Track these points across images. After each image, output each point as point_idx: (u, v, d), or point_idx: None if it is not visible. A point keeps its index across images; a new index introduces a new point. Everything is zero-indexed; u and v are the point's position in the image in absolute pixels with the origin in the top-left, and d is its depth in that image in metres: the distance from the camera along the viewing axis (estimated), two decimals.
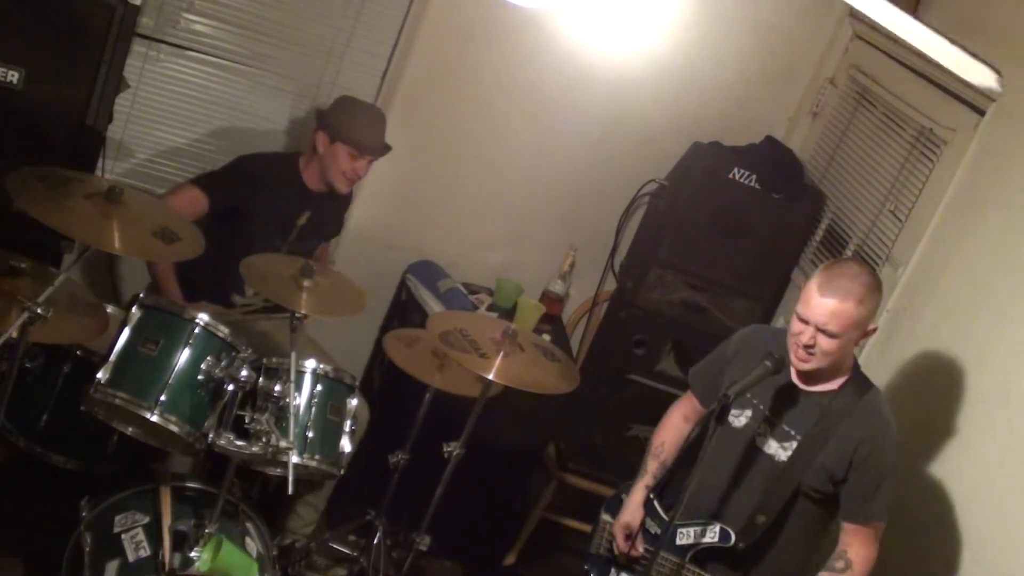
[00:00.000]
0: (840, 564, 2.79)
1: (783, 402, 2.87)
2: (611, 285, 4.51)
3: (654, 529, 3.00)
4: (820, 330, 2.71)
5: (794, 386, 2.88)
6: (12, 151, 3.17)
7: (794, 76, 4.39)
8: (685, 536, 2.90)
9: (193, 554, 2.85)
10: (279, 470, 2.93)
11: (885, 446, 2.80)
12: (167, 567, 2.83)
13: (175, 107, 3.97)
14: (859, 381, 2.86)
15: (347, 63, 4.04)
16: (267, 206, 3.64)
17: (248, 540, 3.05)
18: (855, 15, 4.20)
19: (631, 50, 4.17)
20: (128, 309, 2.89)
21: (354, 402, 3.12)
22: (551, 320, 4.34)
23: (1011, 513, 2.83)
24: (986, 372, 3.05)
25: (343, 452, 3.07)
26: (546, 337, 3.98)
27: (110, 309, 3.09)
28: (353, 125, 3.63)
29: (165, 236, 2.78)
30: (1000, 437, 2.94)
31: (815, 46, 4.35)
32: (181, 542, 2.88)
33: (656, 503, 3.02)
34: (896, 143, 3.80)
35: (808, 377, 2.85)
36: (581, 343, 4.61)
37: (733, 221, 4.09)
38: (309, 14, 3.95)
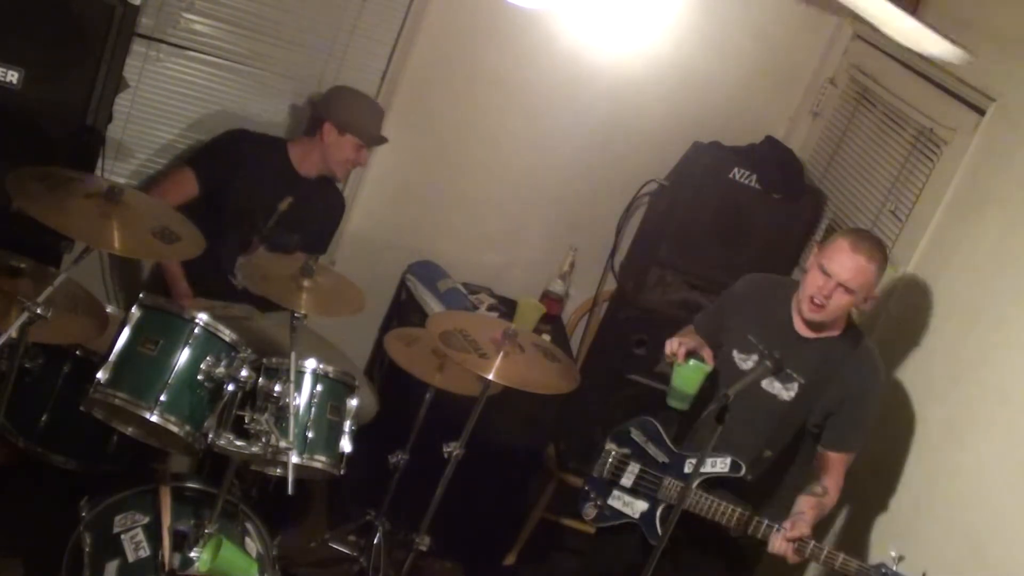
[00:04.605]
0: (819, 489, 3.03)
1: (787, 348, 3.07)
2: (611, 285, 4.51)
3: (661, 459, 3.18)
4: (841, 284, 2.94)
5: (797, 333, 3.10)
6: (12, 151, 3.17)
7: (794, 76, 4.39)
8: (693, 465, 3.04)
9: (193, 554, 2.85)
10: (279, 470, 2.93)
11: (876, 386, 3.08)
12: (167, 567, 2.83)
13: (175, 107, 3.97)
14: (855, 331, 3.13)
15: (347, 63, 4.03)
16: (251, 182, 3.72)
17: (248, 540, 3.05)
18: (855, 15, 4.19)
19: (631, 50, 4.17)
20: (128, 309, 2.89)
21: (354, 402, 3.12)
22: (551, 320, 4.34)
23: (1011, 513, 2.83)
24: (986, 372, 3.05)
25: (343, 452, 3.07)
26: (546, 337, 3.98)
27: (110, 309, 3.09)
28: (363, 118, 3.80)
29: (165, 236, 2.79)
30: (1000, 437, 2.94)
31: (815, 46, 4.35)
32: (181, 542, 2.88)
33: (665, 435, 3.20)
34: (896, 143, 3.80)
35: (812, 326, 3.08)
36: (581, 343, 4.60)
37: (733, 221, 4.09)
38: (309, 14, 3.95)
